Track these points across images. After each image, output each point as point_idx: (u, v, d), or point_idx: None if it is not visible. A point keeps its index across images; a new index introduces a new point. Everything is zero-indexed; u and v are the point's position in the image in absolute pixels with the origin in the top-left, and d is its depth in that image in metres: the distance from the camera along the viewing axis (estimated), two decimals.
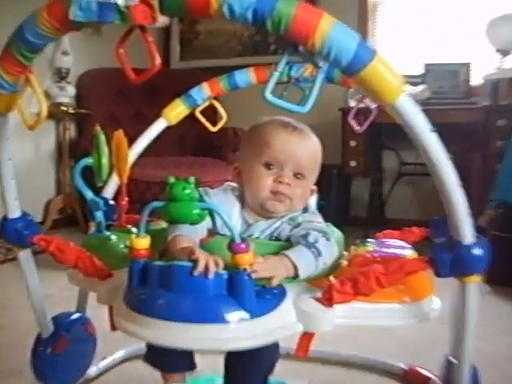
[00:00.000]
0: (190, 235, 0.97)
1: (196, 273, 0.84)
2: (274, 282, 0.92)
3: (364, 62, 0.76)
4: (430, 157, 0.85)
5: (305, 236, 1.03)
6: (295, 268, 0.96)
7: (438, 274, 0.91)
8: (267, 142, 1.09)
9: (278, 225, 1.09)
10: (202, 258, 0.86)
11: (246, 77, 1.53)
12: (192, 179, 0.84)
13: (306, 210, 1.13)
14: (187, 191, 0.83)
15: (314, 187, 1.15)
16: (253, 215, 1.10)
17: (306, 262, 0.98)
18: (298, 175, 1.09)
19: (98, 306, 1.05)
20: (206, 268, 0.85)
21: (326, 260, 1.01)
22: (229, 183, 1.22)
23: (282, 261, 0.96)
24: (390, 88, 0.79)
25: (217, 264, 0.86)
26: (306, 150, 1.10)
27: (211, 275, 0.84)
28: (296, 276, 0.97)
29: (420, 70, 3.47)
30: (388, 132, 3.53)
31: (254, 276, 0.88)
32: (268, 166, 1.08)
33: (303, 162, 1.09)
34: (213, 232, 1.06)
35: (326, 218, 1.15)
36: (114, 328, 0.96)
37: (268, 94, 0.81)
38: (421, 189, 3.76)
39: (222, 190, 1.15)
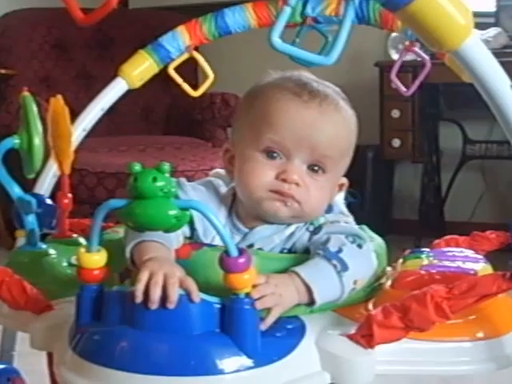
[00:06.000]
0: (164, 241, 0.96)
1: (136, 300, 0.85)
2: (274, 316, 0.91)
3: None
4: None
5: (324, 243, 1.02)
6: (309, 291, 0.96)
7: None
8: (268, 117, 1.05)
9: (292, 231, 1.08)
10: (144, 274, 0.86)
11: (240, 17, 1.52)
12: (167, 166, 0.84)
13: (329, 208, 1.13)
14: (160, 183, 0.83)
15: (344, 181, 1.14)
16: (248, 220, 1.10)
17: (325, 281, 0.98)
18: (315, 167, 1.06)
19: (31, 353, 1.05)
20: (147, 292, 0.84)
21: (357, 277, 1.01)
22: (217, 171, 1.21)
23: (292, 281, 0.96)
24: (454, 27, 0.78)
25: (176, 284, 0.85)
26: (329, 130, 1.06)
27: (153, 305, 0.84)
28: (311, 303, 0.97)
29: (491, 6, 3.46)
30: (448, 96, 3.52)
31: (259, 306, 0.88)
32: (270, 153, 1.05)
33: (324, 150, 1.05)
34: (194, 242, 1.06)
35: (359, 222, 1.15)
36: None
37: (276, 39, 0.80)
38: (496, 178, 3.77)
39: (202, 184, 1.14)
